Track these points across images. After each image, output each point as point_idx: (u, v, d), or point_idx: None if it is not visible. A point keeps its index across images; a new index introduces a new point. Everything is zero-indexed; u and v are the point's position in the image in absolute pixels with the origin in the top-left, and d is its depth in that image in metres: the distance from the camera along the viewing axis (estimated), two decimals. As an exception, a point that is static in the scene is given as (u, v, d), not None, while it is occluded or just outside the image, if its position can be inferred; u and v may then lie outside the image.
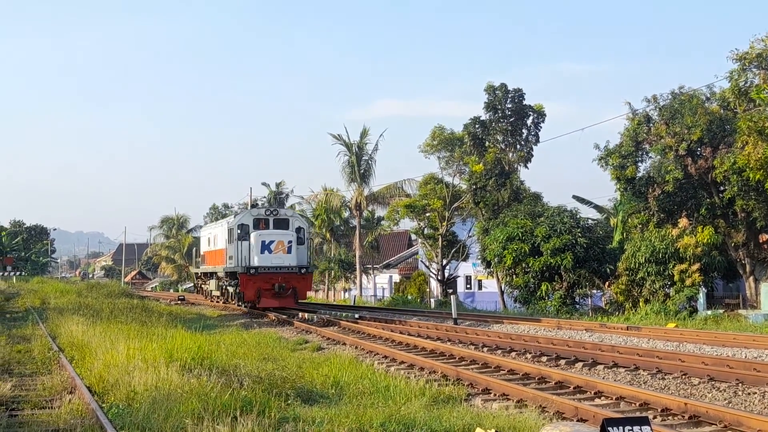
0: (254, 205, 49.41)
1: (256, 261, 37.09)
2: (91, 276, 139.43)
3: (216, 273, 44.90)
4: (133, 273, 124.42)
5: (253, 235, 37.62)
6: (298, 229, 39.37)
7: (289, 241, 37.58)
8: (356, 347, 21.98)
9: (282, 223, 39.13)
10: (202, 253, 50.59)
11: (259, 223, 38.55)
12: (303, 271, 37.74)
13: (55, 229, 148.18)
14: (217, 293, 45.43)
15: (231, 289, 41.43)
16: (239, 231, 38.39)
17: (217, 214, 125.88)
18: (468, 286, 66.57)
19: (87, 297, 41.25)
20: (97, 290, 48.52)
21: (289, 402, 11.82)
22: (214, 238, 45.22)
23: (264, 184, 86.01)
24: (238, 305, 40.52)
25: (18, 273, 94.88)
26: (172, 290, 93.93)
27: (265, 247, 37.29)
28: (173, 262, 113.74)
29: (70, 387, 13.68)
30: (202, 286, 51.75)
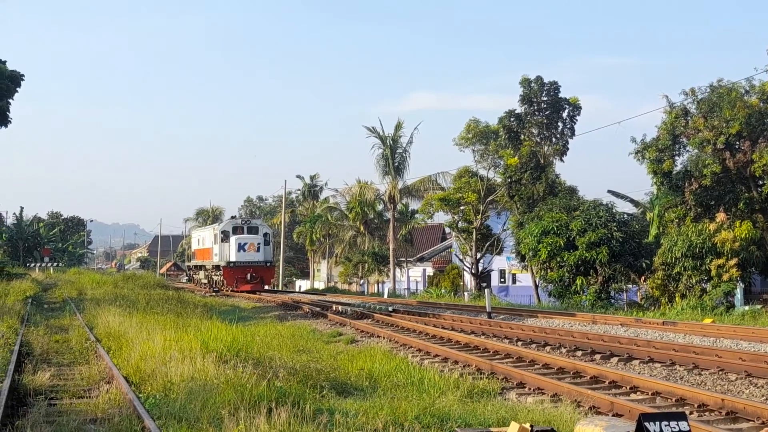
0: (233, 217, 62.95)
1: (234, 257, 52.21)
2: (126, 267, 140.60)
3: (204, 266, 59.89)
4: (169, 264, 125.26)
5: (232, 239, 52.84)
6: (265, 234, 54.93)
7: (258, 243, 52.82)
8: (390, 340, 22.04)
9: (253, 230, 54.86)
10: (192, 250, 66.61)
11: (237, 230, 54.23)
12: (268, 264, 54.26)
13: (91, 221, 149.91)
14: (205, 281, 59.16)
15: (215, 278, 55.96)
16: (222, 235, 54.06)
17: (252, 206, 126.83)
18: (502, 280, 66.37)
19: (123, 288, 41.65)
20: (133, 281, 48.96)
21: (324, 394, 11.89)
22: (203, 239, 60.80)
23: (298, 176, 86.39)
24: (217, 289, 54.51)
25: (55, 264, 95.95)
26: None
27: (240, 247, 52.37)
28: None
29: (108, 377, 13.84)
30: (193, 276, 66.88)
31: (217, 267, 55.06)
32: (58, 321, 26.10)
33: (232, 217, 61.91)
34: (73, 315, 28.18)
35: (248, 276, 51.74)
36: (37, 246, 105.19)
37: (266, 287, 53.82)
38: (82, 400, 12.05)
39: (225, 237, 53.88)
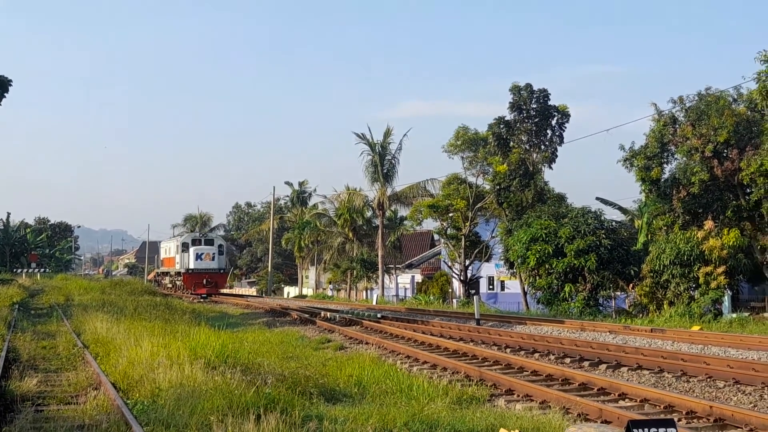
0: (192, 230, 74.15)
1: (192, 265, 60.74)
2: (114, 273, 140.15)
3: (169, 272, 69.08)
4: (156, 271, 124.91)
5: (191, 249, 61.35)
6: (220, 246, 63.82)
7: (214, 253, 61.52)
8: (379, 347, 22.04)
9: (210, 242, 63.76)
10: (161, 258, 76.41)
11: (196, 242, 62.86)
12: (221, 271, 63.22)
13: (79, 227, 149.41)
14: (170, 285, 67.50)
15: (178, 282, 63.79)
16: (183, 246, 62.44)
17: (240, 212, 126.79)
18: (491, 286, 66.39)
19: (110, 294, 41.58)
20: (121, 288, 48.88)
21: (313, 401, 11.89)
22: (169, 249, 69.55)
23: (287, 183, 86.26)
24: (183, 292, 60.73)
25: (42, 270, 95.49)
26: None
27: (198, 256, 60.88)
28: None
29: (95, 383, 13.79)
30: (161, 281, 74.64)
31: (178, 273, 63.60)
32: (45, 327, 26.00)
33: (192, 231, 73.39)
34: (61, 321, 28.06)
35: (204, 281, 59.89)
36: (24, 252, 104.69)
37: (221, 291, 62.94)
38: (69, 406, 12.01)
39: (185, 248, 62.32)
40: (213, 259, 61.37)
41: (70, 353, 18.27)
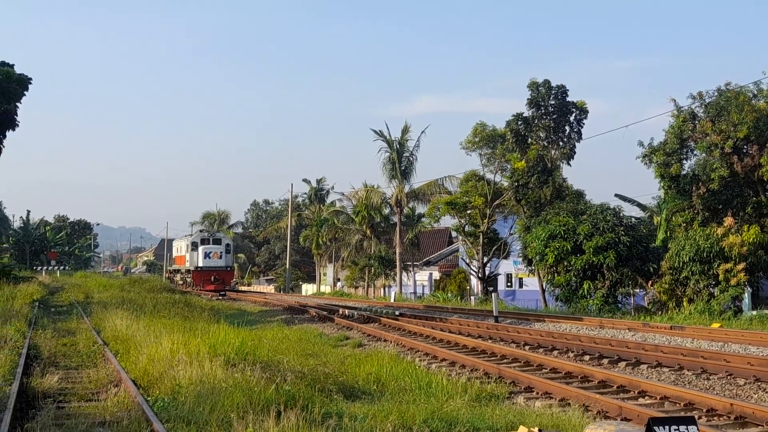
0: (201, 231, 76.45)
1: (201, 263, 64.52)
2: (133, 271, 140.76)
3: (180, 270, 72.97)
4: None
5: (200, 248, 65.21)
6: (227, 245, 67.57)
7: (221, 252, 65.33)
8: (397, 344, 22.07)
9: (217, 241, 66.97)
10: (173, 257, 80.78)
11: (204, 241, 66.48)
12: (228, 269, 66.71)
13: (98, 224, 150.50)
14: (181, 282, 70.29)
15: (188, 279, 67.09)
16: (192, 245, 66.51)
17: (258, 210, 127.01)
18: (509, 284, 66.28)
19: (130, 292, 41.74)
20: (140, 285, 49.08)
21: (332, 398, 11.92)
22: (180, 248, 74.01)
23: (305, 180, 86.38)
24: (193, 288, 62.74)
25: (62, 267, 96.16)
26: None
27: (206, 255, 64.73)
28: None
29: (116, 380, 13.86)
30: (173, 278, 77.46)
31: (188, 270, 67.47)
32: (66, 324, 26.13)
33: (201, 231, 76.64)
34: (80, 318, 28.21)
35: (212, 278, 63.62)
36: (44, 249, 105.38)
37: (227, 287, 65.04)
38: (90, 403, 12.07)
39: (195, 247, 66.51)
40: (220, 257, 65.60)
41: (90, 350, 18.36)
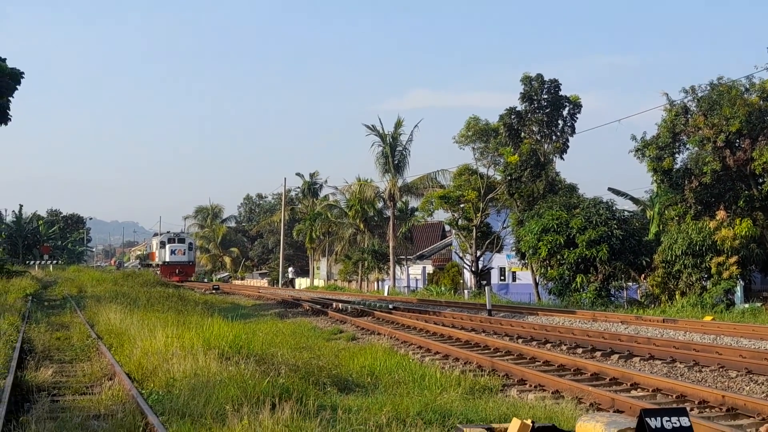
0: (168, 232, 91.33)
1: (168, 258, 79.68)
2: (126, 265, 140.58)
3: (152, 264, 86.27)
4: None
5: (167, 246, 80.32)
6: (190, 244, 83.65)
7: (185, 249, 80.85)
8: (391, 337, 22.11)
9: (182, 240, 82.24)
10: (147, 253, 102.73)
11: (171, 240, 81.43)
12: (191, 263, 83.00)
13: (90, 219, 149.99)
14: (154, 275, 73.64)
15: (158, 272, 73.34)
16: (161, 244, 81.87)
17: (251, 204, 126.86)
18: (502, 277, 66.33)
19: (123, 286, 41.67)
20: (133, 279, 48.99)
21: (326, 390, 11.94)
22: (152, 245, 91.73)
23: (298, 174, 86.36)
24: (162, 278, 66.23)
25: (54, 261, 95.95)
26: (206, 280, 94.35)
27: (172, 252, 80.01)
28: (207, 251, 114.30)
29: (110, 374, 13.86)
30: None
31: (158, 265, 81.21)
32: (59, 318, 26.11)
33: (167, 232, 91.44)
34: (74, 312, 28.18)
35: (177, 271, 77.92)
36: (37, 243, 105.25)
37: (189, 278, 78.23)
38: (84, 396, 12.09)
39: (162, 245, 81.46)
40: (184, 254, 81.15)
41: (84, 344, 18.34)
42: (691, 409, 11.30)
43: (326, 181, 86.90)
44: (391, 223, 63.28)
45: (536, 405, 11.74)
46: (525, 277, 56.72)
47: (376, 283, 70.38)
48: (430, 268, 72.09)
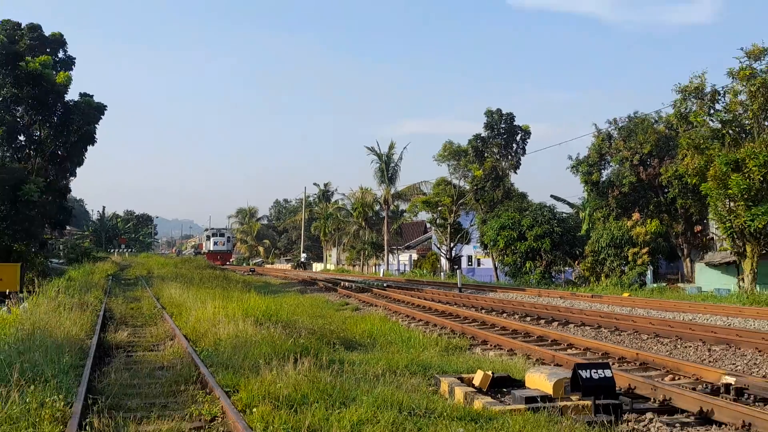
0: (212, 228, 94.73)
1: (211, 248, 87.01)
2: (183, 253, 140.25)
3: (201, 252, 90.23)
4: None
5: (211, 239, 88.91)
6: (228, 237, 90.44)
7: (224, 241, 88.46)
8: (385, 308, 22.06)
9: (222, 234, 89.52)
10: (199, 243, 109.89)
11: (214, 234, 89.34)
12: (228, 252, 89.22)
13: (157, 217, 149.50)
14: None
15: (205, 258, 74.10)
16: (207, 237, 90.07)
17: (279, 206, 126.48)
18: (470, 263, 66.16)
19: (181, 269, 41.50)
20: (189, 264, 48.80)
21: (336, 348, 11.92)
22: (202, 239, 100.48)
23: (315, 184, 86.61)
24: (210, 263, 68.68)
25: (129, 250, 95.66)
26: (245, 264, 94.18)
27: (215, 243, 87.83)
28: (245, 243, 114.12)
29: (171, 335, 13.80)
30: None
31: (204, 253, 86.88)
32: (133, 293, 26.00)
33: (212, 229, 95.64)
34: (144, 289, 28.06)
35: (218, 257, 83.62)
36: (116, 236, 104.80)
37: (228, 263, 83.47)
38: (152, 352, 12.03)
39: (208, 238, 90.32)
40: (223, 245, 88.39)
41: (151, 313, 18.26)
42: (613, 364, 11.30)
43: (336, 189, 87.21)
44: (385, 221, 63.38)
45: (495, 360, 11.73)
46: (487, 263, 56.69)
47: (374, 267, 70.32)
48: (415, 256, 71.97)
